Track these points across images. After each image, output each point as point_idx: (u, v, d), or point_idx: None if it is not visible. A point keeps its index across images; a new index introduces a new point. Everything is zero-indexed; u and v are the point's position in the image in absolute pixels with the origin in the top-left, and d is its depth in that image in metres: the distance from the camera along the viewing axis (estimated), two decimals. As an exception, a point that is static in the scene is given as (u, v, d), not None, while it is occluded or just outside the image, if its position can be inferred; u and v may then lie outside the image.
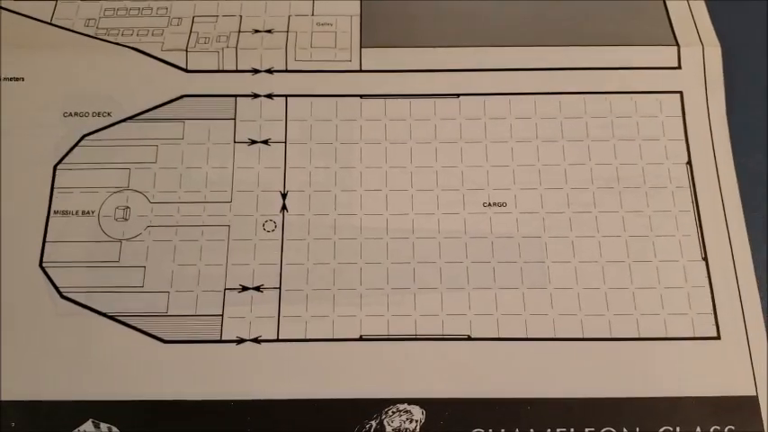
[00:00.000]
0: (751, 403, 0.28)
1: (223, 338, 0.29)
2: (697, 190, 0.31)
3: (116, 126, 0.32)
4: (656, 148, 0.31)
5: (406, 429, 0.28)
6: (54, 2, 0.34)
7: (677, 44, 0.33)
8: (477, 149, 0.31)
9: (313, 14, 0.34)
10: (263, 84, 0.32)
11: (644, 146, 0.31)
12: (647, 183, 0.31)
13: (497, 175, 0.31)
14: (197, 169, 0.31)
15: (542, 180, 0.31)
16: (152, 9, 0.34)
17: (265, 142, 0.32)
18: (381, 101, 0.32)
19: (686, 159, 0.31)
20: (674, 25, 0.33)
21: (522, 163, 0.31)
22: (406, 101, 0.32)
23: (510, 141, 0.32)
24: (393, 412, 0.28)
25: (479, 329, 0.29)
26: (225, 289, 0.29)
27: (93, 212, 0.31)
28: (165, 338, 0.29)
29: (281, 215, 0.30)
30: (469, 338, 0.29)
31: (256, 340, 0.29)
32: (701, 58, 0.32)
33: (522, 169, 0.31)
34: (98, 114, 0.32)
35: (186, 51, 0.33)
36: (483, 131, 0.32)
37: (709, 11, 0.33)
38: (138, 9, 0.34)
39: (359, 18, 0.34)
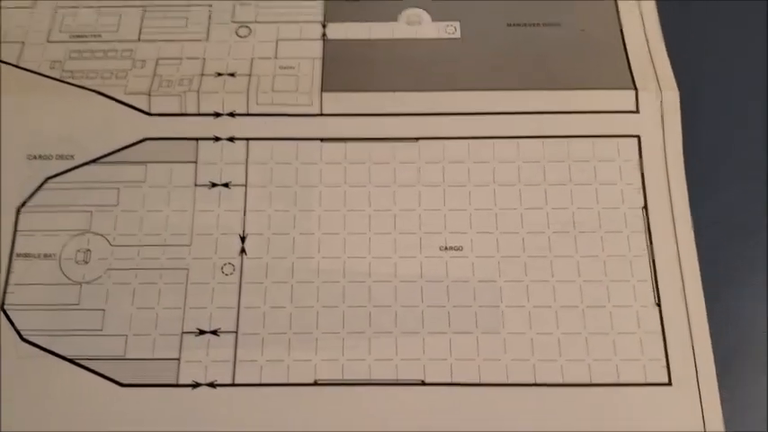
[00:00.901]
0: (700, 450, 0.28)
1: (180, 382, 0.29)
2: (652, 235, 0.31)
3: (79, 169, 0.32)
4: (612, 192, 0.32)
5: (358, 475, 0.28)
6: (21, 44, 0.34)
7: (635, 88, 0.33)
8: (435, 193, 0.32)
9: (276, 57, 0.34)
10: (224, 127, 0.33)
11: (600, 190, 0.32)
12: (602, 227, 0.31)
13: (454, 219, 0.31)
14: (158, 212, 0.31)
15: (499, 224, 0.31)
16: (117, 51, 0.34)
17: (226, 185, 0.32)
18: (342, 144, 0.33)
19: (642, 204, 0.32)
20: (632, 69, 0.33)
21: (480, 207, 0.31)
22: (366, 144, 0.33)
23: (468, 185, 0.32)
24: (345, 458, 0.28)
25: (433, 374, 0.29)
26: (182, 332, 0.30)
27: (54, 255, 0.31)
28: (123, 382, 0.29)
29: (240, 258, 0.31)
30: (423, 383, 0.29)
31: (212, 384, 0.29)
32: (658, 102, 0.33)
33: (479, 213, 0.31)
34: (61, 157, 0.32)
35: (149, 95, 0.33)
36: (441, 175, 0.32)
37: (669, 54, 0.34)
38: (104, 51, 0.34)
39: (321, 61, 0.34)
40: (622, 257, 0.31)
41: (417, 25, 0.35)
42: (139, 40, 0.34)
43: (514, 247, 0.31)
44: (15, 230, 0.31)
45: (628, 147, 0.32)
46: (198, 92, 0.33)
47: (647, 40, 0.34)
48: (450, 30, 0.35)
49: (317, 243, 0.31)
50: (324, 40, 0.34)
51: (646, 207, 0.32)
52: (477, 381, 0.29)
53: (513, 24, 0.35)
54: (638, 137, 0.32)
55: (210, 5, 0.35)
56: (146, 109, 0.33)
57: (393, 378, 0.29)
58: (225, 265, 0.31)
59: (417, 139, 0.33)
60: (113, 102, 0.33)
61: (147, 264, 0.31)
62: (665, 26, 0.34)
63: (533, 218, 0.31)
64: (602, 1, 0.35)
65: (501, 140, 0.32)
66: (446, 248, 0.31)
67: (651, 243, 0.31)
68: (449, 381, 0.29)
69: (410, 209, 0.32)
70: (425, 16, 0.35)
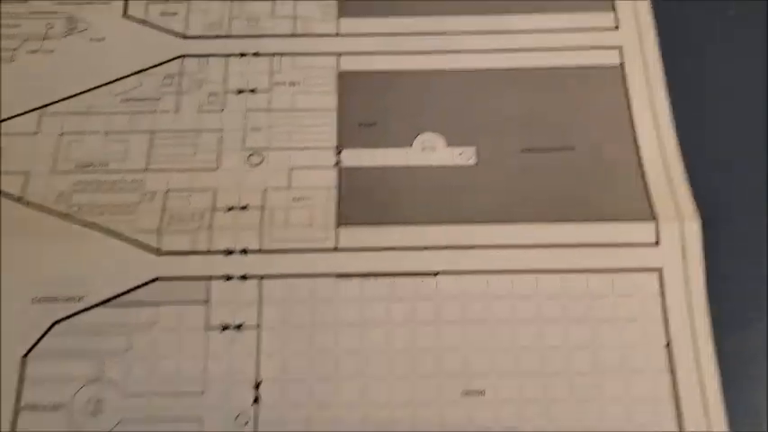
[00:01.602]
0: None
1: None
2: (676, 374, 0.30)
3: (88, 311, 0.31)
4: (634, 329, 0.31)
5: None
6: (25, 174, 0.34)
7: (655, 218, 0.32)
8: (455, 331, 0.31)
9: (289, 187, 0.34)
10: (237, 265, 0.32)
11: (622, 327, 0.31)
12: (625, 367, 0.31)
13: (476, 360, 0.31)
14: (170, 358, 0.30)
15: (520, 364, 0.30)
16: (125, 182, 0.33)
17: (238, 327, 0.31)
18: (358, 281, 0.32)
19: (665, 341, 0.31)
20: (651, 197, 0.33)
21: (501, 346, 0.31)
22: (384, 280, 0.32)
23: (488, 322, 0.31)
24: None
25: None
26: (197, 490, 0.29)
27: (64, 406, 0.30)
28: None
29: (255, 408, 0.30)
30: None
31: None
32: (679, 233, 0.32)
33: (500, 353, 0.31)
34: (69, 299, 0.31)
35: (159, 233, 0.32)
36: (461, 311, 0.31)
37: (690, 182, 0.33)
38: (111, 182, 0.33)
39: (336, 191, 0.33)
40: (646, 399, 0.30)
41: (432, 151, 0.34)
42: (147, 169, 0.34)
43: (536, 390, 0.30)
44: (21, 380, 0.30)
45: (648, 281, 0.32)
46: (209, 228, 0.32)
47: (666, 165, 0.34)
48: (465, 156, 0.34)
49: (337, 390, 0.30)
50: (338, 167, 0.34)
51: (669, 345, 0.31)
52: None
53: (528, 150, 0.34)
54: (660, 270, 0.32)
55: (221, 131, 0.35)
56: (155, 247, 0.32)
57: None
58: (239, 415, 0.30)
59: (436, 273, 0.32)
60: (122, 241, 0.32)
61: (161, 413, 0.30)
62: (685, 146, 0.34)
63: (554, 358, 0.31)
64: (617, 121, 0.35)
65: (520, 275, 0.32)
66: (468, 393, 0.30)
67: (676, 384, 0.30)
68: None
69: (430, 349, 0.31)
70: (440, 141, 0.35)
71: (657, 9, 0.37)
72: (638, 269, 0.32)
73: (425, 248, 0.32)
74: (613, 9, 0.37)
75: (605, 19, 0.37)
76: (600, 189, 0.33)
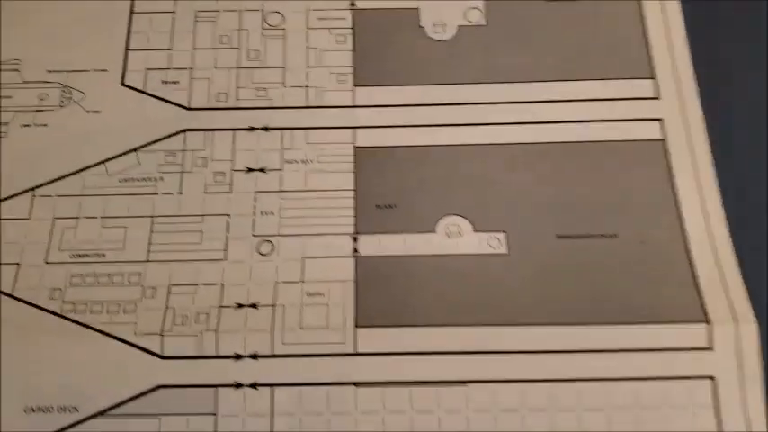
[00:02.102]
0: None
1: None
2: (736, 497, 0.28)
3: (84, 423, 0.28)
4: (686, 445, 0.28)
5: None
6: (16, 266, 0.31)
7: (707, 320, 0.30)
8: (486, 447, 0.28)
9: (303, 280, 0.31)
10: (246, 371, 0.29)
11: (673, 441, 0.28)
12: (677, 490, 0.28)
13: (510, 482, 0.28)
14: (173, 478, 0.28)
15: (560, 488, 0.28)
16: (123, 275, 0.31)
17: (249, 443, 0.28)
18: (379, 390, 0.29)
19: (721, 459, 0.28)
20: (702, 295, 0.30)
21: (538, 465, 0.28)
22: (407, 389, 0.29)
23: (523, 438, 0.28)
24: None
25: None
26: None
27: None
28: None
29: None
30: None
31: None
32: (734, 337, 0.29)
33: (537, 474, 0.28)
34: (63, 410, 0.28)
35: (162, 335, 0.29)
36: (493, 425, 0.28)
37: (744, 277, 0.30)
38: (109, 275, 0.31)
39: (353, 284, 0.31)
40: None
41: (458, 237, 0.32)
42: (148, 260, 0.31)
43: None
44: (11, 504, 0.28)
45: (701, 390, 0.29)
46: (216, 330, 0.30)
47: (716, 257, 0.31)
48: (494, 243, 0.31)
49: None
50: (355, 257, 0.31)
51: (725, 462, 0.28)
52: None
53: (564, 236, 0.31)
54: (713, 378, 0.29)
55: (228, 216, 0.32)
56: (159, 351, 0.29)
57: None
58: None
59: (465, 382, 0.29)
60: (122, 344, 0.29)
61: None
62: (737, 234, 0.31)
63: (599, 480, 0.28)
64: (661, 205, 0.32)
65: (559, 384, 0.29)
66: None
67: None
68: None
69: (458, 469, 0.28)
70: (466, 226, 0.32)
71: (702, 74, 0.34)
72: (687, 377, 0.29)
73: (453, 353, 0.29)
74: (652, 75, 0.34)
75: (644, 87, 0.34)
76: (645, 284, 0.30)
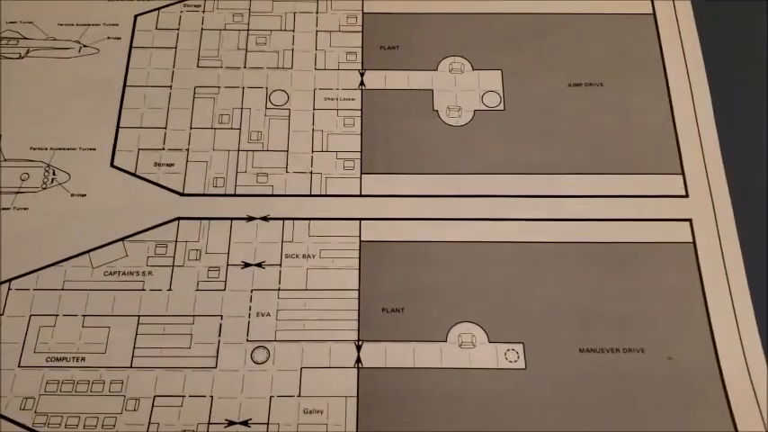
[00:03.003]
0: None
1: None
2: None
3: None
4: None
5: None
6: (-14, 371, 0.28)
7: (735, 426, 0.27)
8: None
9: (300, 394, 0.28)
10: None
11: None
12: None
13: None
14: None
15: None
16: (104, 383, 0.28)
17: None
18: None
19: None
20: (736, 423, 0.28)
21: None
22: None
23: None
24: None
25: None
26: None
27: None
28: None
29: None
30: None
31: None
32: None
33: None
34: None
35: (143, 458, 0.27)
36: None
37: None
38: (88, 383, 0.28)
39: (355, 401, 0.28)
40: None
41: (471, 348, 0.29)
42: (132, 366, 0.28)
43: None
44: None
45: None
46: (204, 453, 0.27)
47: (751, 377, 0.28)
48: (512, 356, 0.29)
49: None
50: (358, 368, 0.29)
51: None
52: None
53: (587, 350, 0.29)
54: None
55: (221, 318, 0.29)
56: (138, 478, 0.27)
57: None
58: None
59: None
60: (97, 466, 0.27)
61: None
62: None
63: None
64: (691, 316, 0.29)
65: None
66: None
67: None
68: None
69: None
70: (481, 335, 0.29)
71: (732, 171, 0.32)
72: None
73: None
74: (682, 170, 0.32)
75: (672, 183, 0.32)
76: (673, 406, 0.28)
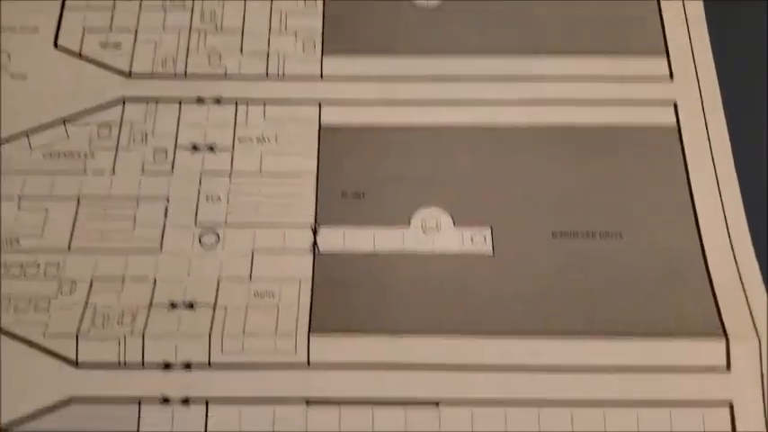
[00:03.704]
0: None
1: None
2: None
3: (-22, 442, 0.24)
4: (698, 484, 0.24)
5: None
6: None
7: (725, 336, 0.25)
8: (461, 484, 0.24)
9: (251, 278, 0.26)
10: (177, 384, 0.24)
11: (683, 481, 0.24)
12: None
13: None
14: None
15: None
16: (39, 266, 0.26)
17: (175, 471, 0.24)
18: (334, 408, 0.24)
19: (739, 502, 0.24)
20: (720, 308, 0.25)
21: (522, 508, 0.24)
22: (367, 409, 0.24)
23: (506, 472, 0.24)
24: None
25: None
26: None
27: None
28: None
29: None
30: None
31: None
32: (756, 357, 0.25)
33: None
34: (-46, 422, 0.24)
35: (77, 338, 0.25)
36: (470, 456, 0.24)
37: None
38: (21, 266, 0.26)
39: (310, 284, 0.26)
40: None
41: (435, 233, 0.27)
42: (70, 248, 0.26)
43: None
44: None
45: (717, 419, 0.24)
46: (143, 334, 0.25)
47: (738, 268, 0.26)
48: (478, 240, 0.27)
49: None
50: (314, 252, 0.27)
51: (744, 507, 0.24)
52: None
53: (560, 234, 0.27)
54: (731, 404, 0.25)
55: (167, 201, 0.27)
56: (72, 358, 0.24)
57: None
58: None
59: (437, 402, 0.24)
60: (29, 347, 0.24)
61: None
62: (759, 237, 0.27)
63: None
64: (674, 201, 0.27)
65: (548, 408, 0.24)
66: None
67: None
68: None
69: None
70: (446, 220, 0.27)
71: (721, 51, 0.30)
72: (702, 402, 0.24)
73: (424, 367, 0.25)
74: (666, 53, 0.30)
75: (656, 65, 0.30)
76: (653, 292, 0.26)
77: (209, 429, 0.24)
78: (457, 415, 0.24)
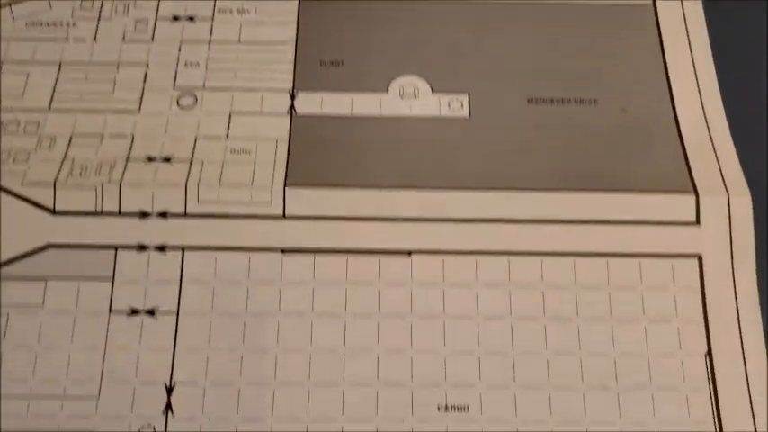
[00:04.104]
0: None
1: None
2: (719, 394, 0.23)
3: (-46, 285, 0.24)
4: (666, 333, 0.24)
5: None
6: None
7: (695, 192, 0.25)
8: (432, 328, 0.24)
9: (228, 137, 0.26)
10: (153, 232, 0.25)
11: (650, 330, 0.24)
12: (653, 382, 0.23)
13: (458, 366, 0.24)
14: (57, 350, 0.23)
15: (517, 375, 0.23)
16: (19, 123, 0.26)
17: (151, 312, 0.24)
18: (309, 257, 0.25)
19: (705, 349, 0.24)
20: (691, 166, 0.26)
21: (492, 349, 0.24)
22: (342, 258, 0.25)
23: (476, 318, 0.24)
24: None
25: None
26: None
27: None
28: None
29: (164, 418, 0.23)
30: None
31: None
32: (725, 211, 0.25)
33: (490, 358, 0.24)
34: (-67, 268, 0.24)
35: (55, 186, 0.25)
36: (441, 303, 0.24)
37: (736, 146, 0.26)
38: (2, 123, 0.26)
39: (286, 144, 0.26)
40: (679, 423, 0.23)
41: (413, 99, 0.27)
42: (50, 108, 0.27)
43: (538, 410, 0.23)
44: None
45: (685, 270, 0.25)
46: (120, 183, 0.25)
47: (709, 126, 0.27)
48: (455, 105, 0.27)
49: (271, 398, 0.23)
50: (292, 114, 0.27)
51: (710, 354, 0.24)
52: None
53: (536, 100, 0.27)
54: (699, 257, 0.25)
55: (147, 65, 0.28)
56: (49, 205, 0.25)
57: None
58: (143, 426, 0.23)
59: (409, 252, 0.25)
60: (7, 195, 0.25)
61: (40, 424, 0.22)
62: (732, 113, 0.27)
63: (562, 367, 0.24)
64: (648, 70, 0.28)
65: (518, 257, 0.25)
66: (447, 408, 0.23)
67: (717, 406, 0.23)
68: None
69: (399, 350, 0.24)
70: (424, 86, 0.28)
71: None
72: (671, 254, 0.25)
73: (397, 219, 0.25)
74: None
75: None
76: (625, 153, 0.26)
77: (184, 275, 0.24)
78: (429, 262, 0.25)
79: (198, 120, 0.26)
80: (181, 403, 0.23)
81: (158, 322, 0.24)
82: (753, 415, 0.23)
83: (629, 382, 0.23)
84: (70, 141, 0.26)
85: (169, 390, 0.23)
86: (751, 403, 0.23)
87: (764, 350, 0.24)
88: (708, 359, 0.23)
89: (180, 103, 0.27)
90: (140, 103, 0.27)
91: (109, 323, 0.24)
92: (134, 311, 0.24)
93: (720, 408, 0.23)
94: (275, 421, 0.23)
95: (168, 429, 0.22)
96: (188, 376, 0.23)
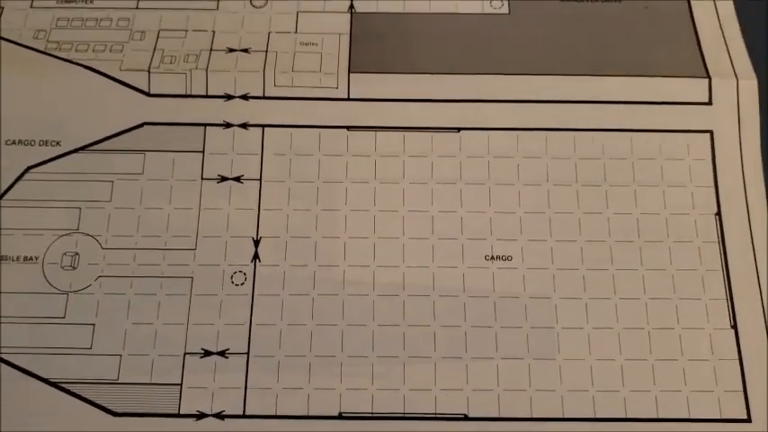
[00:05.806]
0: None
1: (181, 412, 0.25)
2: (726, 246, 0.27)
3: (66, 157, 0.28)
4: (681, 195, 0.28)
5: None
6: (-1, 8, 0.30)
7: (708, 76, 0.29)
8: (479, 193, 0.28)
9: (296, 32, 0.30)
10: (236, 111, 0.28)
11: (668, 193, 0.28)
12: (670, 236, 0.27)
13: (502, 224, 0.27)
14: (157, 210, 0.27)
15: (553, 231, 0.27)
16: (112, 20, 0.30)
17: (237, 179, 0.28)
18: (371, 133, 0.28)
19: (715, 210, 0.28)
20: (704, 53, 0.29)
21: (531, 210, 0.27)
22: (400, 134, 0.28)
23: (517, 184, 0.28)
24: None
25: (478, 407, 0.25)
26: (185, 353, 0.25)
27: (36, 259, 0.27)
28: (116, 411, 0.25)
29: (253, 265, 0.27)
30: (466, 418, 0.25)
31: (219, 416, 0.25)
32: (734, 92, 0.29)
33: (530, 217, 0.27)
34: (45, 143, 0.28)
35: (149, 72, 0.28)
36: (486, 172, 0.28)
37: (744, 37, 0.30)
38: (96, 20, 0.30)
39: (348, 37, 0.30)
40: (693, 272, 0.27)
41: (458, -3, 0.31)
42: (138, 7, 0.30)
43: (571, 259, 0.27)
44: (-10, 228, 0.27)
45: (699, 143, 0.28)
46: (206, 70, 0.28)
47: (720, 21, 0.30)
48: (496, 4, 0.30)
49: (343, 248, 0.27)
50: (351, 13, 0.30)
51: (719, 213, 0.28)
52: (528, 415, 0.25)
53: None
54: (711, 132, 0.28)
55: (221, -24, 0.31)
56: (145, 89, 0.28)
57: (431, 411, 0.25)
58: (235, 273, 0.27)
59: (459, 129, 0.28)
60: (107, 79, 0.28)
61: (145, 271, 0.26)
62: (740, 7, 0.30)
63: (592, 224, 0.27)
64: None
65: (555, 133, 0.28)
66: (492, 258, 0.27)
67: (725, 255, 0.27)
68: (496, 415, 0.25)
69: (450, 210, 0.27)
70: (467, -12, 0.31)
71: None
72: (686, 130, 0.28)
73: (447, 101, 0.29)
74: None
75: None
76: (647, 43, 0.29)
77: (265, 148, 0.28)
78: (475, 138, 0.28)
79: (269, 17, 0.30)
80: (267, 253, 0.27)
81: (245, 187, 0.27)
82: (756, 265, 0.27)
83: (649, 236, 0.27)
84: (158, 35, 0.29)
85: (256, 242, 0.27)
86: (755, 256, 0.27)
87: (765, 210, 0.27)
88: (717, 218, 0.27)
89: (253, 3, 0.30)
90: (218, 3, 0.30)
91: (201, 188, 0.27)
92: (223, 178, 0.27)
93: (728, 257, 0.27)
94: (346, 267, 0.27)
95: (256, 273, 0.26)
96: (271, 232, 0.27)
